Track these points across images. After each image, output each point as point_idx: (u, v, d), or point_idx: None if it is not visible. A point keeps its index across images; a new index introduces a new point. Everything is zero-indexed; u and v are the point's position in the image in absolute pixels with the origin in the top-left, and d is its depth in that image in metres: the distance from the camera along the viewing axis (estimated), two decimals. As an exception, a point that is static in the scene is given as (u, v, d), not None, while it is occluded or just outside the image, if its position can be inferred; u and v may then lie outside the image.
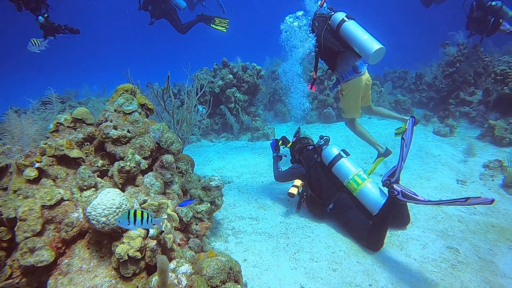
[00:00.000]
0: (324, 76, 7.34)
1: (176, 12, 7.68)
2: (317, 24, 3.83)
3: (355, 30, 3.50)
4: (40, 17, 5.11)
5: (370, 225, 2.75)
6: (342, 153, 3.14)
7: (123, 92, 2.81)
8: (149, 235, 1.80)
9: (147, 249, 1.78)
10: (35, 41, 4.10)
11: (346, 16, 3.61)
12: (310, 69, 4.37)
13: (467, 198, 1.88)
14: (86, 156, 2.55)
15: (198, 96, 4.27)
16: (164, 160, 2.58)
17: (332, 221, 3.21)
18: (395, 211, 2.71)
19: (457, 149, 4.97)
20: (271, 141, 4.08)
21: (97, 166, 2.51)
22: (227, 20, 7.67)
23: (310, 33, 3.94)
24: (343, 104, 4.18)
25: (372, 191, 2.85)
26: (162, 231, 1.81)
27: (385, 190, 2.79)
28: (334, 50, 3.72)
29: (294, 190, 3.26)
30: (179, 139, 2.93)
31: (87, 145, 2.66)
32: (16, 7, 5.04)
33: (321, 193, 3.17)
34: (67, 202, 1.99)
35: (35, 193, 1.96)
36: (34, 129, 2.57)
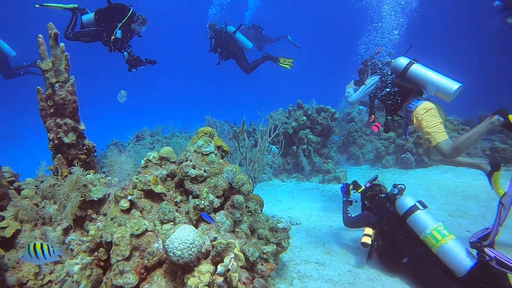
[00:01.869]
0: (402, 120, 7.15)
1: (243, 53, 8.17)
2: (378, 68, 4.18)
3: (428, 72, 3.74)
4: (125, 53, 6.07)
5: (453, 287, 2.51)
6: (418, 205, 2.97)
7: (202, 135, 3.16)
8: (217, 272, 1.98)
9: (215, 284, 1.95)
10: (123, 93, 4.69)
11: (412, 59, 3.88)
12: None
13: None
14: (168, 191, 2.90)
15: (272, 137, 4.51)
16: (235, 200, 2.78)
17: (406, 276, 2.99)
18: (490, 279, 2.40)
19: None
20: (342, 185, 4.08)
21: (176, 201, 2.83)
22: (292, 60, 7.96)
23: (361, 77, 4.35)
24: (426, 131, 3.70)
25: (455, 249, 2.59)
26: (229, 269, 1.97)
27: (474, 252, 2.52)
28: (406, 88, 3.89)
29: (367, 240, 3.15)
30: (250, 180, 3.15)
31: (169, 180, 3.03)
32: (108, 49, 6.10)
33: (394, 244, 3.05)
34: (150, 233, 2.29)
35: (126, 222, 2.31)
36: (130, 166, 3.01)
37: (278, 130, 5.00)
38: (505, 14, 7.70)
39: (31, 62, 8.21)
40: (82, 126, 3.38)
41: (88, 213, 2.95)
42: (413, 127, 4.03)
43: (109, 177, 3.19)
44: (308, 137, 6.61)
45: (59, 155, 3.28)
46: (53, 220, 2.98)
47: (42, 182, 3.69)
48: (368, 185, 3.74)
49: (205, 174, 2.83)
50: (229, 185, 2.92)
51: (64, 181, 2.93)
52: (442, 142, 3.57)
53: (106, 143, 8.81)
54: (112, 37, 5.70)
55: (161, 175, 2.92)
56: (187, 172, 2.80)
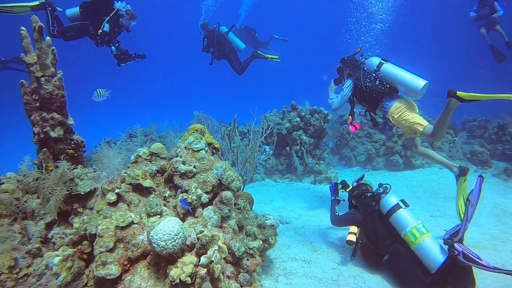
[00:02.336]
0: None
1: (236, 54, 8.15)
2: (349, 69, 4.28)
3: (397, 71, 3.83)
4: (113, 47, 5.99)
5: (427, 282, 2.57)
6: (401, 204, 3.04)
7: (193, 132, 3.15)
8: (200, 263, 1.96)
9: (197, 276, 1.94)
10: (100, 91, 4.48)
11: (382, 59, 3.97)
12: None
13: None
14: (157, 186, 2.88)
15: (264, 136, 4.51)
16: (223, 196, 2.77)
17: (386, 273, 3.05)
18: (456, 273, 2.50)
19: (546, 209, 4.41)
20: (331, 184, 4.10)
21: (165, 196, 2.81)
22: (277, 56, 8.02)
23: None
24: (406, 125, 3.86)
25: (430, 247, 2.68)
26: (212, 261, 1.96)
27: (447, 248, 2.60)
28: (378, 90, 3.97)
29: (352, 237, 3.20)
30: (240, 177, 3.14)
31: (159, 176, 3.01)
32: (95, 43, 5.99)
33: (376, 242, 3.08)
34: (136, 225, 2.27)
35: (112, 214, 2.28)
36: (119, 160, 2.99)
37: (270, 130, 5.01)
38: (479, 24, 8.40)
39: (11, 57, 8.03)
40: (70, 121, 3.34)
41: (74, 207, 2.91)
42: (393, 124, 4.11)
43: (97, 172, 3.16)
44: (301, 138, 6.62)
45: (45, 149, 3.24)
46: (36, 214, 2.92)
47: (25, 176, 3.66)
48: (355, 184, 3.77)
49: (194, 170, 2.82)
50: (218, 182, 2.91)
51: (49, 175, 2.89)
52: (425, 128, 3.69)
53: (99, 141, 8.74)
54: (100, 31, 5.60)
55: (151, 170, 2.91)
56: (177, 167, 2.78)
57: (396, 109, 3.86)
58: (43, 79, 3.14)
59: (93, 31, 5.76)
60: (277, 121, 6.97)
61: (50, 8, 5.61)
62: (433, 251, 2.64)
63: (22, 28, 3.05)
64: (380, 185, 3.32)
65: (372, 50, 4.59)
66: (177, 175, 2.82)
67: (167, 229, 1.92)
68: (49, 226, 2.85)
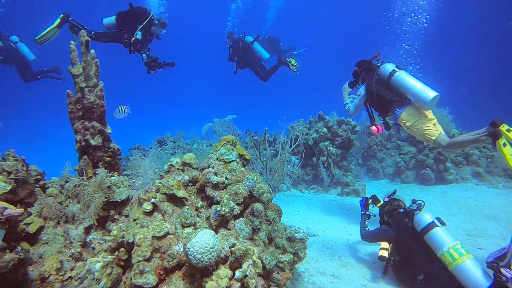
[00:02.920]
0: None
1: (260, 62, 8.25)
2: (364, 74, 4.25)
3: (408, 80, 3.77)
4: (143, 55, 6.28)
5: None
6: (436, 222, 2.94)
7: (225, 143, 3.21)
8: (234, 277, 2.00)
9: (232, 289, 1.97)
10: (121, 108, 4.50)
11: (396, 67, 3.89)
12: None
13: None
14: (189, 196, 2.95)
15: (292, 148, 4.53)
16: (254, 208, 2.81)
17: (421, 293, 2.97)
18: None
19: None
20: (361, 198, 4.05)
21: (197, 207, 2.87)
22: (297, 65, 8.02)
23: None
24: (417, 134, 3.86)
25: (472, 270, 2.54)
26: (247, 275, 1.99)
27: (492, 273, 2.47)
28: (387, 99, 3.93)
29: (384, 253, 3.14)
30: (270, 189, 3.16)
31: (191, 186, 3.08)
32: (128, 51, 6.30)
33: (410, 260, 3.01)
34: (171, 235, 2.34)
35: (149, 224, 2.37)
36: (153, 170, 3.09)
37: (298, 141, 5.02)
38: None
39: (52, 68, 8.61)
40: (108, 130, 3.50)
41: (110, 214, 3.04)
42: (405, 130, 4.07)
43: (133, 180, 3.28)
44: (328, 149, 6.58)
45: (85, 156, 3.40)
46: (76, 218, 3.08)
47: (66, 181, 3.84)
48: (386, 199, 3.70)
49: (226, 181, 2.87)
50: (249, 193, 2.94)
51: (89, 182, 3.03)
52: (438, 137, 3.68)
53: (127, 146, 9.01)
54: (133, 38, 5.89)
55: (183, 180, 2.98)
56: (209, 178, 2.85)
57: (408, 115, 3.84)
58: (86, 89, 3.31)
59: (126, 39, 6.03)
60: (304, 131, 6.96)
61: (70, 18, 6.01)
62: (475, 275, 2.51)
63: (71, 42, 3.25)
64: (414, 202, 3.24)
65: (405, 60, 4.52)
66: (209, 186, 2.88)
67: (203, 242, 1.97)
68: (87, 230, 2.99)
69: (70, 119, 3.42)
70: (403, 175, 6.98)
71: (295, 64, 7.96)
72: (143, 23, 6.05)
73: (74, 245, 2.86)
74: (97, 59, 3.36)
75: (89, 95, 3.34)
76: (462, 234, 4.16)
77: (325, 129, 6.69)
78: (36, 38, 5.83)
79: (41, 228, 2.83)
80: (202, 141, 8.68)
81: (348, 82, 4.70)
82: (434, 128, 3.73)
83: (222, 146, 3.12)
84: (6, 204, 2.19)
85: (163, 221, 2.47)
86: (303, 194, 6.57)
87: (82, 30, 3.30)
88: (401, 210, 3.40)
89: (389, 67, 3.98)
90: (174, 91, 39.30)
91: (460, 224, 4.50)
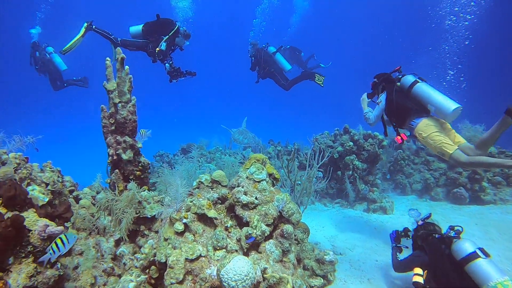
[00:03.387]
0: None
1: (282, 73, 8.19)
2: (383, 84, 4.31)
3: (429, 91, 3.76)
4: (167, 64, 6.38)
5: None
6: (479, 253, 2.74)
7: (255, 161, 3.19)
8: (268, 306, 1.96)
9: (265, 319, 1.94)
10: (142, 132, 4.42)
11: (418, 78, 3.94)
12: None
13: None
14: (219, 215, 2.94)
15: (320, 164, 4.47)
16: (284, 230, 2.77)
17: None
18: None
19: None
20: (391, 232, 3.89)
21: (227, 226, 2.86)
22: (323, 77, 7.92)
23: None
24: (433, 147, 3.75)
25: None
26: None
27: None
28: (406, 108, 3.93)
29: (419, 279, 2.97)
30: (299, 209, 3.12)
31: (219, 203, 3.07)
32: (152, 60, 6.45)
33: None
34: (203, 258, 2.33)
35: (181, 246, 2.37)
36: (184, 190, 3.08)
37: (326, 158, 4.96)
38: None
39: (81, 77, 8.97)
40: (139, 144, 3.55)
41: (141, 229, 3.07)
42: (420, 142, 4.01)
43: (162, 195, 3.31)
44: (354, 163, 6.44)
45: (117, 170, 3.45)
46: (107, 231, 3.13)
47: (97, 192, 3.93)
48: (421, 222, 3.55)
49: (256, 201, 2.84)
50: (279, 214, 2.91)
51: (120, 196, 3.08)
52: (453, 153, 3.54)
53: (151, 152, 9.12)
54: (157, 49, 6.01)
55: (212, 198, 2.97)
56: (239, 198, 2.83)
57: (425, 126, 3.76)
58: (120, 105, 3.38)
59: (151, 49, 6.17)
60: (329, 143, 6.86)
61: (94, 26, 6.18)
62: None
63: (107, 58, 3.33)
64: (452, 228, 3.09)
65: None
66: (239, 206, 2.86)
67: (237, 269, 1.94)
68: (117, 242, 3.04)
69: (103, 133, 3.50)
70: (433, 192, 6.72)
71: (322, 77, 7.89)
72: (169, 35, 6.18)
73: (106, 258, 2.91)
74: (131, 75, 3.43)
75: (122, 111, 3.40)
76: (506, 263, 3.79)
77: (351, 143, 6.56)
78: (63, 49, 6.08)
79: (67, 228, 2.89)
80: (226, 150, 8.72)
81: (366, 93, 4.70)
82: (450, 142, 3.63)
83: (251, 165, 3.11)
84: (48, 222, 2.25)
85: (194, 242, 2.46)
86: (327, 208, 6.45)
87: (118, 48, 3.38)
88: (437, 236, 3.24)
89: (410, 78, 4.00)
90: (196, 99, 39.81)
91: (502, 251, 4.10)
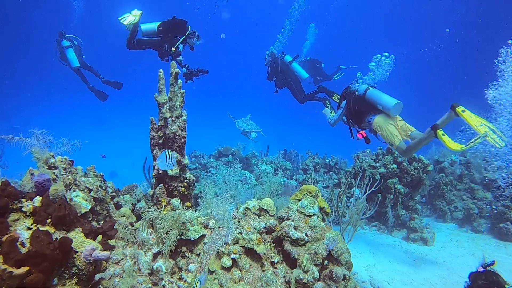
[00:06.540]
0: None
1: (299, 83, 7.98)
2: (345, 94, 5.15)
3: (377, 93, 4.52)
4: (183, 69, 6.32)
5: None
6: None
7: (306, 193, 3.03)
8: None
9: None
10: (168, 154, 3.99)
11: (370, 86, 4.72)
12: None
13: None
14: (266, 249, 2.81)
15: (366, 189, 4.29)
16: (334, 273, 2.60)
17: None
18: None
19: None
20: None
21: (273, 261, 2.72)
22: (339, 96, 7.62)
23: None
24: (386, 137, 4.43)
25: None
26: None
27: None
28: (362, 110, 4.73)
29: None
30: (349, 249, 2.93)
31: (264, 233, 2.93)
32: (165, 60, 6.32)
33: None
34: (253, 303, 2.21)
35: (229, 285, 2.25)
36: (230, 213, 2.98)
37: (375, 188, 4.92)
38: None
39: (114, 81, 9.20)
40: (186, 160, 3.47)
41: (182, 250, 2.99)
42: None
43: (207, 217, 3.22)
44: (396, 187, 6.13)
45: (161, 185, 3.39)
46: (145, 243, 3.07)
47: (138, 200, 3.91)
48: (481, 269, 3.24)
49: (306, 238, 2.69)
50: (327, 252, 2.75)
51: (165, 214, 3.01)
52: (398, 144, 4.29)
53: (187, 150, 9.14)
54: (173, 49, 5.95)
55: (259, 227, 2.85)
56: (288, 232, 2.69)
57: (380, 120, 4.49)
58: (170, 119, 3.30)
59: (167, 48, 6.10)
60: (370, 162, 6.58)
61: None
62: None
63: (160, 70, 3.25)
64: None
65: None
66: (288, 241, 2.72)
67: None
68: (155, 256, 2.97)
69: (150, 145, 3.44)
70: (475, 223, 6.31)
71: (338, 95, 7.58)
72: (185, 35, 6.12)
73: (143, 272, 2.85)
74: (183, 90, 3.35)
75: (172, 126, 3.32)
76: None
77: (395, 165, 6.26)
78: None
79: (112, 248, 2.85)
80: (262, 158, 8.58)
81: (325, 108, 6.08)
82: (399, 135, 4.32)
83: (302, 197, 2.95)
84: (94, 244, 2.19)
85: (241, 282, 2.34)
86: (364, 231, 6.19)
87: (173, 61, 3.29)
88: None
89: (364, 86, 4.78)
90: (229, 103, 39.85)
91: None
